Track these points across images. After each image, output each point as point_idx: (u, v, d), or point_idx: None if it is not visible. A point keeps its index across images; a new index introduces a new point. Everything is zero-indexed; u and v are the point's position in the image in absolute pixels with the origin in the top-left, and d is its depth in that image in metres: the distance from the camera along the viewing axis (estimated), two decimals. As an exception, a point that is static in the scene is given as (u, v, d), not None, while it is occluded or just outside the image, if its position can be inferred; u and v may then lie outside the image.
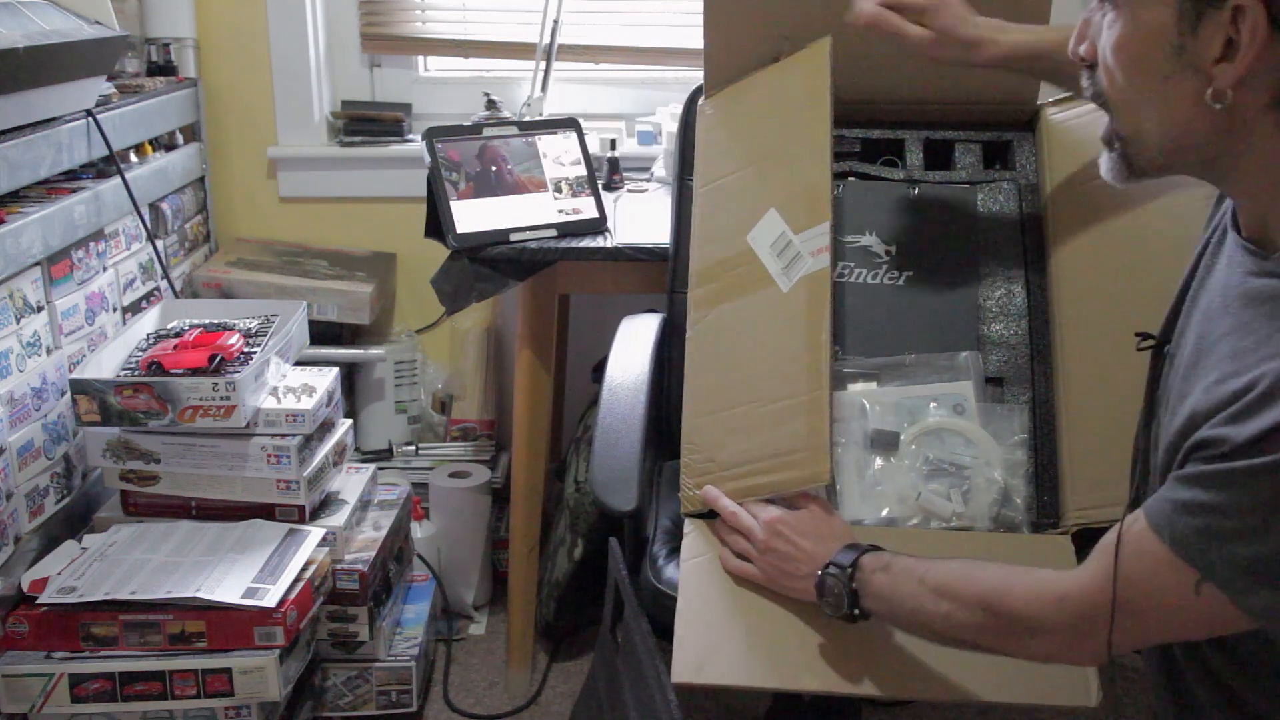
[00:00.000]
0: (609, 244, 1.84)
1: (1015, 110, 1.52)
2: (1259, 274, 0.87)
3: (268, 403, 1.72)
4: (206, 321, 1.83)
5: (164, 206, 2.10)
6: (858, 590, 1.10)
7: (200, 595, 1.53)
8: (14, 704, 1.53)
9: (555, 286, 1.91)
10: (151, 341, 1.78)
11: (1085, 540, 1.28)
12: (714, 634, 1.22)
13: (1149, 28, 0.85)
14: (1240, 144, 0.85)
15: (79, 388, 1.62)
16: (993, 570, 1.02)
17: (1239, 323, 0.87)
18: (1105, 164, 0.94)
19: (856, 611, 1.11)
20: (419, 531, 2.15)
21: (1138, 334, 1.05)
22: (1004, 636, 1.00)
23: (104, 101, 1.89)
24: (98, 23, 1.77)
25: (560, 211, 1.88)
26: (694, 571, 1.27)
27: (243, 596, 1.54)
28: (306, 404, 1.72)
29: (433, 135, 1.84)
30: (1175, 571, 0.85)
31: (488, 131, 1.91)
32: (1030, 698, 1.14)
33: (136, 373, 1.68)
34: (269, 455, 1.69)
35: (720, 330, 1.40)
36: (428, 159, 1.82)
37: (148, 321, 1.85)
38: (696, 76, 1.57)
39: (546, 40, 2.18)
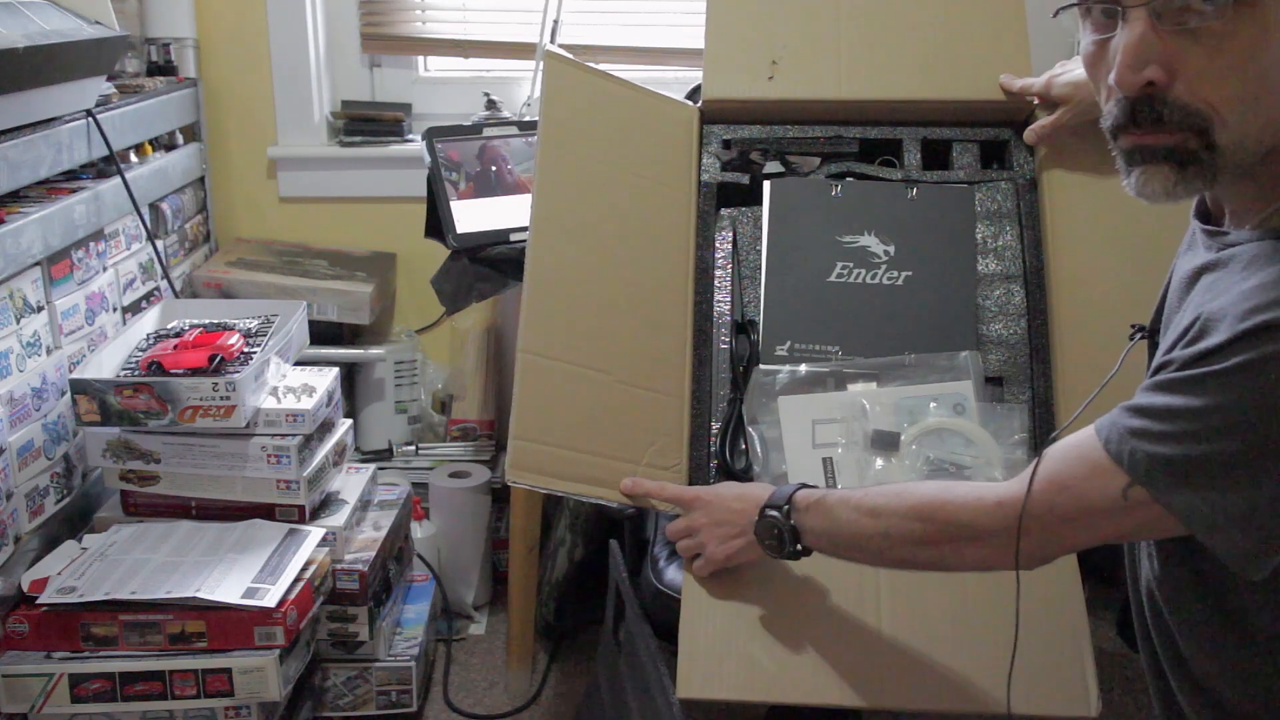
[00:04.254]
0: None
1: (1011, 109, 1.52)
2: (1217, 249, 0.93)
3: (268, 403, 1.72)
4: (206, 321, 1.83)
5: (164, 206, 2.10)
6: (797, 526, 1.14)
7: (200, 595, 1.53)
8: (14, 704, 1.53)
9: (555, 286, 1.91)
10: (151, 341, 1.78)
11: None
12: (719, 647, 1.22)
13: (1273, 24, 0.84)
14: None
15: (79, 388, 1.62)
16: (927, 485, 1.07)
17: (1200, 289, 0.93)
18: (1161, 182, 0.90)
19: (799, 548, 1.15)
20: (419, 531, 2.15)
21: (1132, 325, 1.09)
22: (942, 544, 1.03)
23: (104, 101, 1.89)
24: (98, 23, 1.77)
25: (560, 211, 1.88)
26: (697, 581, 1.28)
27: (243, 596, 1.54)
28: (306, 404, 1.72)
29: (433, 135, 1.84)
30: (1108, 475, 0.90)
31: (488, 131, 1.91)
32: (1030, 708, 1.14)
33: (136, 373, 1.68)
34: (269, 455, 1.69)
35: None
36: (428, 159, 1.82)
37: (148, 321, 1.85)
38: (696, 76, 1.57)
39: (546, 40, 2.18)
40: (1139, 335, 1.07)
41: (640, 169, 1.47)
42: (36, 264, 1.63)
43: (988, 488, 1.01)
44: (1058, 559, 1.01)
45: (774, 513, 1.15)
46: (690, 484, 1.38)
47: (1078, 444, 0.94)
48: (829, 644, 1.21)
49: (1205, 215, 0.99)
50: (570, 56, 1.50)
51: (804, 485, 1.17)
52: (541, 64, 1.44)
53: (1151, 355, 1.06)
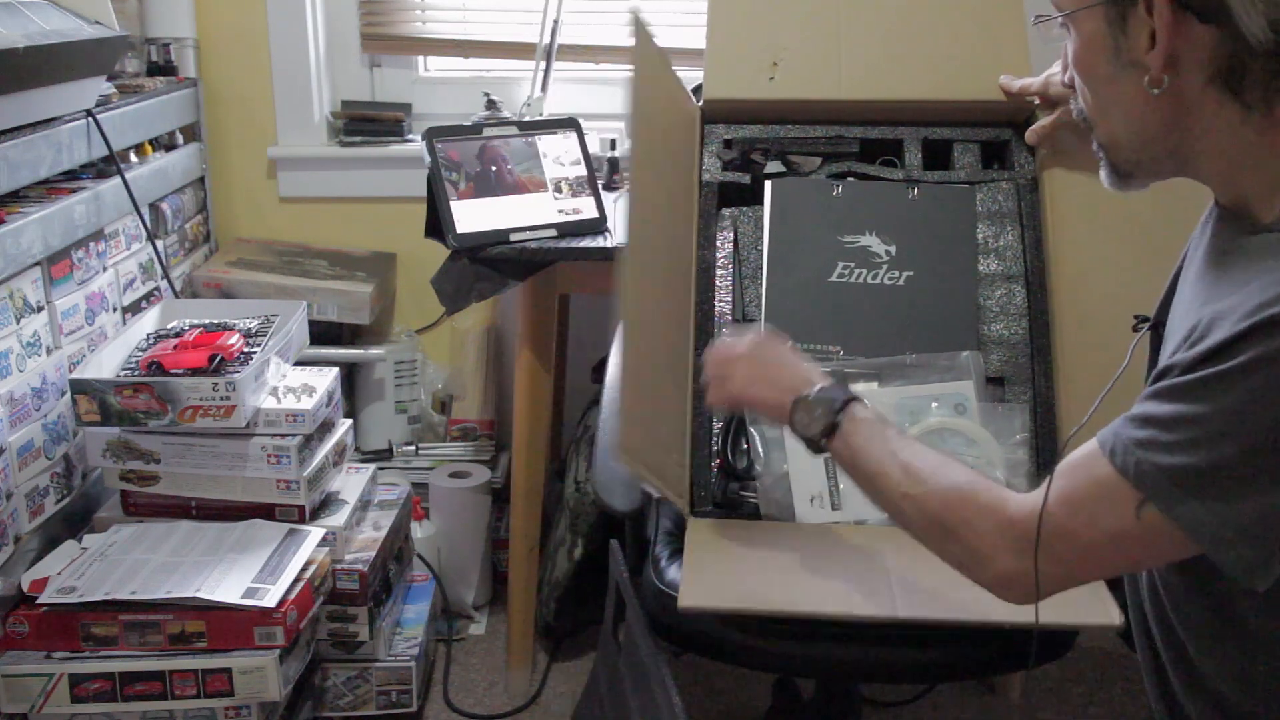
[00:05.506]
0: (609, 244, 1.84)
1: (1012, 109, 1.52)
2: (1236, 235, 0.92)
3: (268, 403, 1.72)
4: (206, 321, 1.83)
5: (164, 206, 2.10)
6: (839, 424, 1.10)
7: (200, 595, 1.53)
8: (14, 704, 1.53)
9: (555, 286, 1.91)
10: (151, 341, 1.78)
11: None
12: (720, 571, 1.24)
13: (1090, 39, 0.93)
14: (1194, 126, 0.91)
15: (79, 388, 1.62)
16: (962, 473, 1.02)
17: (1208, 280, 0.93)
18: (1101, 174, 1.01)
19: (823, 442, 1.12)
20: (419, 531, 2.15)
21: (1135, 316, 1.08)
22: (950, 544, 1.00)
23: (104, 101, 1.89)
24: (98, 23, 1.77)
25: (560, 211, 1.88)
26: (699, 542, 1.30)
27: (243, 596, 1.54)
28: (306, 404, 1.72)
29: (433, 135, 1.84)
30: (1118, 493, 0.87)
31: (488, 131, 1.91)
32: (1057, 618, 1.12)
33: (136, 373, 1.68)
34: (269, 455, 1.69)
35: None
36: (428, 159, 1.82)
37: (148, 321, 1.85)
38: (696, 76, 1.57)
39: (546, 40, 2.18)
40: (1144, 327, 1.07)
41: (668, 160, 1.47)
42: (36, 264, 1.63)
43: (1007, 500, 0.97)
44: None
45: (834, 398, 1.12)
46: (691, 484, 1.38)
47: (1083, 460, 0.91)
48: (833, 568, 1.22)
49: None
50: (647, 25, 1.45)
51: (858, 399, 1.13)
52: (630, 25, 1.38)
53: (1154, 346, 1.06)
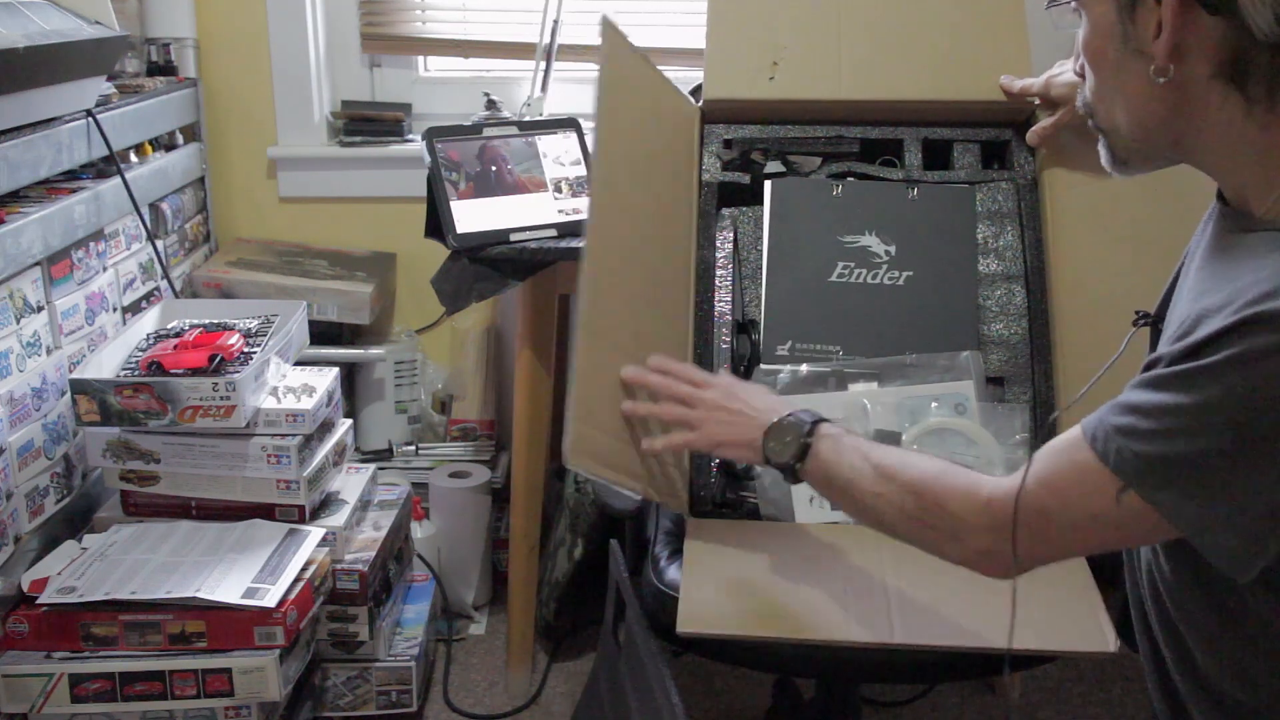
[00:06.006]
0: (609, 244, 1.83)
1: (1012, 109, 1.52)
2: (1233, 232, 0.93)
3: (268, 403, 1.72)
4: (206, 321, 1.83)
5: (164, 206, 2.10)
6: (810, 446, 1.12)
7: (200, 595, 1.53)
8: (14, 704, 1.53)
9: (555, 286, 1.91)
10: (151, 341, 1.78)
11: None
12: (720, 590, 1.23)
13: (1100, 24, 0.94)
14: (1197, 118, 0.91)
15: (79, 388, 1.62)
16: (930, 463, 1.05)
17: (1204, 276, 0.93)
18: (1101, 155, 1.02)
19: (796, 467, 1.14)
20: (419, 531, 2.15)
21: (1136, 311, 1.08)
22: (927, 529, 1.02)
23: (104, 101, 1.89)
24: (98, 23, 1.76)
25: (560, 211, 1.88)
26: (699, 547, 1.28)
27: (243, 596, 1.54)
28: (306, 404, 1.72)
29: (433, 135, 1.84)
30: (1097, 478, 0.89)
31: (488, 131, 1.91)
32: (1046, 645, 1.13)
33: (136, 373, 1.68)
34: (269, 455, 1.69)
35: None
36: (428, 159, 1.82)
37: (148, 321, 1.85)
38: (696, 76, 1.57)
39: (546, 40, 2.18)
40: (1142, 322, 1.07)
41: (654, 161, 1.46)
42: (36, 264, 1.63)
43: (982, 482, 1.00)
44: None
45: (802, 420, 1.14)
46: (692, 484, 1.38)
47: (1066, 444, 0.93)
48: (835, 588, 1.22)
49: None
50: (620, 30, 1.44)
51: (825, 419, 1.16)
52: (600, 30, 1.38)
53: (1153, 342, 1.06)
